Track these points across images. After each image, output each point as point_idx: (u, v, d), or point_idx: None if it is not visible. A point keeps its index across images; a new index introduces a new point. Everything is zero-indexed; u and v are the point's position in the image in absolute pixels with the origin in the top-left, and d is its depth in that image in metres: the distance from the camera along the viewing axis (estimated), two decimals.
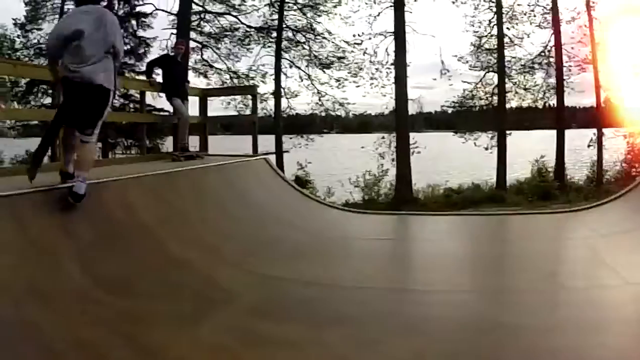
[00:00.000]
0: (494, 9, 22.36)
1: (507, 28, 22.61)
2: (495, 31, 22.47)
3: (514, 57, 22.78)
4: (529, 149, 22.59)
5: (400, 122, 21.88)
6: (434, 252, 6.53)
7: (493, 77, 22.84)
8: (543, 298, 4.56)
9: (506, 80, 22.75)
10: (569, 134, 22.20)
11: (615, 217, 7.60)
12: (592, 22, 21.61)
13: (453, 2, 22.63)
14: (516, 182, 21.72)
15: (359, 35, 22.60)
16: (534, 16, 22.32)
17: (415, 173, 21.49)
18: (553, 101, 22.68)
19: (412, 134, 22.03)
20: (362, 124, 28.20)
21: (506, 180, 21.84)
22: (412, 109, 23.24)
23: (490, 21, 22.55)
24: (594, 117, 22.05)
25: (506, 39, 22.53)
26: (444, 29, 34.42)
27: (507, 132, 22.30)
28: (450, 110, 25.08)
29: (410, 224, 9.55)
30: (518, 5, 22.40)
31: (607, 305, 4.33)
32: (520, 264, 5.85)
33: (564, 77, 22.10)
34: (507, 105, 23.11)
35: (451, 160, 26.37)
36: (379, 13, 22.23)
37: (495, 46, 22.49)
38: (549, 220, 8.73)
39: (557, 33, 21.99)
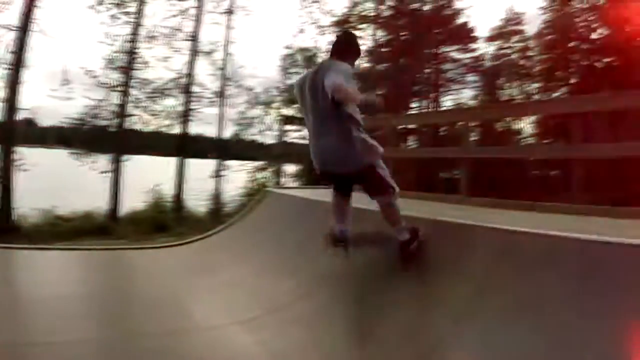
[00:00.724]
0: (133, 25, 20.54)
1: (146, 48, 21.07)
2: (129, 48, 20.60)
3: (145, 79, 21.17)
4: (151, 176, 21.04)
5: (5, 133, 17.81)
6: (41, 296, 5.81)
7: (119, 97, 20.66)
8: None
9: (133, 102, 20.92)
10: (194, 163, 21.55)
11: (205, 253, 7.77)
12: (226, 58, 21.82)
13: (91, 7, 20.11)
14: (132, 211, 19.69)
15: None
16: (176, 41, 21.31)
17: (24, 195, 17.87)
18: (179, 129, 21.71)
19: (22, 149, 18.46)
20: None
21: (120, 209, 19.69)
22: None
23: (127, 36, 20.57)
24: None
25: (141, 59, 20.88)
26: (81, 34, 31.10)
27: (127, 156, 20.34)
28: (69, 126, 21.81)
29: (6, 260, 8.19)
30: (162, 26, 21.06)
31: (179, 354, 4.22)
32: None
33: (193, 107, 21.48)
34: (131, 128, 21.23)
35: (66, 183, 22.97)
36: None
37: (127, 64, 20.54)
38: (146, 256, 8.47)
39: (192, 62, 21.42)
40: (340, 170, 4.51)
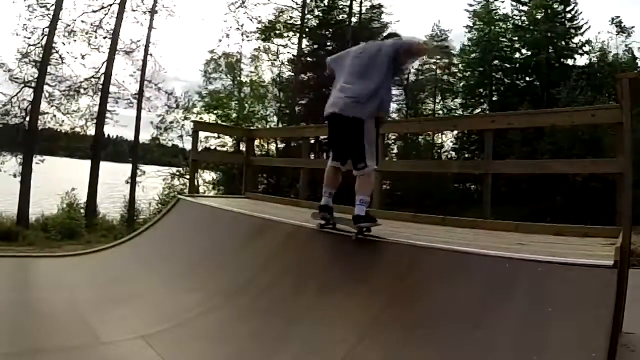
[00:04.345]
0: (51, 17, 19.74)
1: (63, 43, 20.25)
2: (46, 42, 19.76)
3: (61, 76, 20.32)
4: (64, 179, 20.13)
5: None
6: None
7: (31, 93, 19.70)
8: None
9: (47, 99, 20.07)
10: (110, 167, 20.82)
11: (113, 263, 7.17)
12: (146, 58, 21.29)
13: None
14: (43, 216, 18.72)
15: None
16: (95, 37, 20.56)
17: None
18: (94, 130, 20.91)
19: None
20: None
21: (30, 214, 18.69)
22: None
23: (44, 30, 19.71)
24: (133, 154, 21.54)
25: (57, 55, 20.07)
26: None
27: (40, 157, 19.38)
28: None
29: None
30: (82, 21, 20.29)
31: None
32: None
33: (110, 108, 20.87)
34: (45, 127, 20.32)
35: None
36: None
37: (43, 59, 19.69)
38: (51, 265, 7.68)
39: (110, 60, 20.68)
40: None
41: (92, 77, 20.93)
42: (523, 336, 3.05)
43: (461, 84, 26.18)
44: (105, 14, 21.16)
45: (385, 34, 25.44)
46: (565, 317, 3.01)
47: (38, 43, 19.88)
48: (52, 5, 19.97)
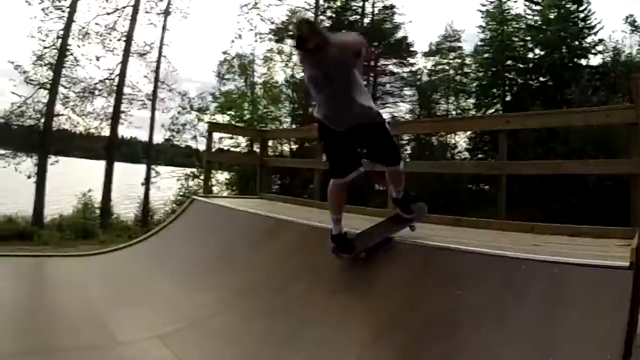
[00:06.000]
0: (65, 20, 19.89)
1: (78, 46, 20.44)
2: (61, 44, 19.92)
3: (75, 78, 20.46)
4: (79, 180, 20.29)
5: None
6: None
7: (46, 95, 19.86)
8: None
9: (62, 101, 20.23)
10: (124, 167, 20.94)
11: (127, 263, 7.34)
12: (160, 60, 21.38)
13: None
14: (59, 216, 18.87)
15: None
16: (110, 40, 20.69)
17: None
18: (109, 131, 21.04)
19: None
20: None
21: (46, 214, 18.85)
22: None
23: (59, 32, 19.90)
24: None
25: (72, 57, 20.26)
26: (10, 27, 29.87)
27: (55, 158, 19.55)
28: None
29: None
30: (96, 24, 20.48)
31: None
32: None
33: (124, 109, 20.99)
34: (59, 128, 20.47)
35: None
36: None
37: (58, 61, 19.86)
38: (66, 264, 7.87)
39: (125, 62, 20.84)
40: None
41: (107, 78, 21.09)
42: (538, 337, 3.04)
43: (474, 84, 26.00)
44: (120, 17, 21.34)
45: (398, 35, 25.62)
46: (580, 319, 3.00)
47: (53, 45, 20.06)
48: (67, 8, 20.10)
